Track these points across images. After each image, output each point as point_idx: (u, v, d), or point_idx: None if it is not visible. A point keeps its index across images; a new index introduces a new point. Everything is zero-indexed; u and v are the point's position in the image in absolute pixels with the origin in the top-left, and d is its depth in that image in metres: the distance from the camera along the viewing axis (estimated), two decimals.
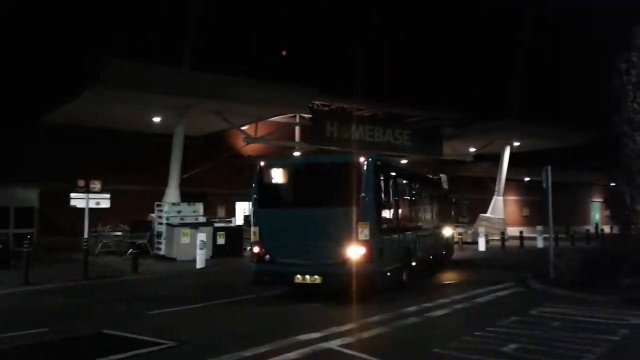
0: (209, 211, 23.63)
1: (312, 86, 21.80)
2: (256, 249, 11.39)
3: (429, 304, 10.76)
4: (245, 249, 21.71)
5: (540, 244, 26.04)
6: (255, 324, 9.37)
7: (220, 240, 19.80)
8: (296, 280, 10.91)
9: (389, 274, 11.52)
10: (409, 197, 14.24)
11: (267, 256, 11.24)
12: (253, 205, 11.96)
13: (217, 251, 19.38)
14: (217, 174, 26.48)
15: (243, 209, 28.44)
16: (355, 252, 10.48)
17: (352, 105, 26.55)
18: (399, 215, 12.99)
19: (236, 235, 20.76)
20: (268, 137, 24.79)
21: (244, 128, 23.90)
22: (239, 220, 25.61)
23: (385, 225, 11.53)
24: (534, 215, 39.79)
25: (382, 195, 11.55)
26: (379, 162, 11.51)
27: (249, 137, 23.75)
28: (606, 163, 15.37)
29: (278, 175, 12.11)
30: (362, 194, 10.67)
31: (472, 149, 32.00)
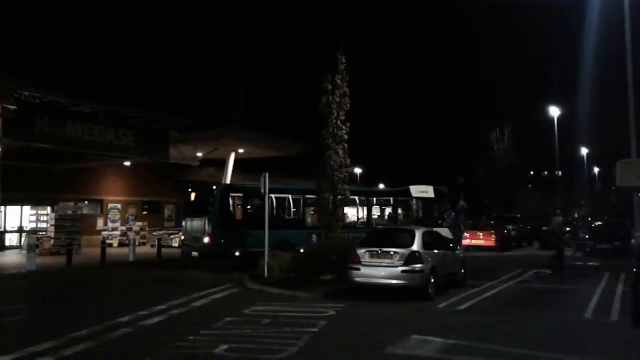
0: None
1: (20, 76, 19.11)
2: (182, 238, 21.17)
3: (144, 312, 10.33)
4: None
5: None
6: None
7: None
8: (192, 255, 19.06)
9: (237, 254, 17.77)
10: (277, 206, 19.63)
11: (185, 242, 20.26)
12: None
13: None
14: None
15: None
16: (207, 240, 18.21)
17: (69, 100, 24.06)
18: (252, 218, 18.56)
19: None
20: None
21: None
22: None
23: (232, 224, 18.36)
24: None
25: (229, 207, 18.77)
26: (227, 188, 19.84)
27: None
28: (316, 172, 17.02)
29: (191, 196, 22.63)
30: (210, 207, 18.49)
31: (199, 154, 32.25)
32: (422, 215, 23.98)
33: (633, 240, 15.38)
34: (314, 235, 18.00)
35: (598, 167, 61.10)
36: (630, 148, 15.27)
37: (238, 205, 19.28)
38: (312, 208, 20.49)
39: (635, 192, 15.78)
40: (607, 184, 51.82)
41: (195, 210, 19.86)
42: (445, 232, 23.77)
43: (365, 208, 22.73)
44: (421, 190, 24.25)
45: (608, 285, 14.02)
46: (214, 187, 19.24)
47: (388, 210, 23.99)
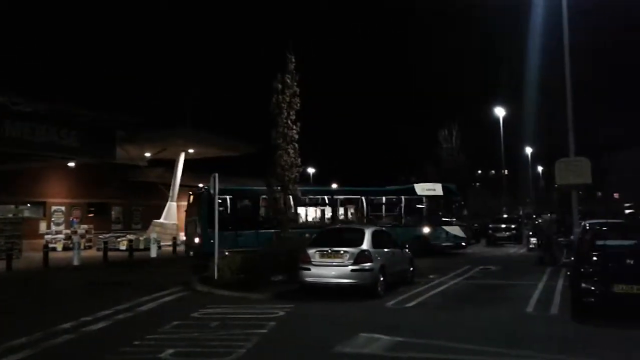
0: None
1: None
2: (184, 238, 23.07)
3: (88, 318, 9.99)
4: None
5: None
6: None
7: None
8: (189, 255, 20.33)
9: (227, 253, 15.88)
10: (257, 207, 21.04)
11: (186, 242, 21.71)
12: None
13: None
14: None
15: None
16: (196, 239, 19.32)
17: (6, 99, 23.04)
18: (239, 219, 20.04)
19: None
20: None
21: None
22: None
23: (220, 225, 16.22)
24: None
25: (214, 209, 16.82)
26: (212, 192, 17.59)
27: None
28: (267, 171, 16.91)
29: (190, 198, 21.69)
30: (200, 209, 19.36)
31: (147, 154, 31.56)
32: (428, 213, 24.22)
33: (572, 237, 16.02)
34: (307, 234, 17.82)
35: (542, 166, 63.47)
36: (569, 147, 15.95)
37: (225, 206, 19.56)
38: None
39: (574, 190, 16.47)
40: (550, 183, 53.88)
41: (192, 212, 20.58)
42: (455, 229, 24.10)
43: (369, 207, 23.24)
44: (427, 189, 24.53)
45: (550, 280, 14.55)
46: (203, 189, 19.73)
47: (385, 210, 24.18)
